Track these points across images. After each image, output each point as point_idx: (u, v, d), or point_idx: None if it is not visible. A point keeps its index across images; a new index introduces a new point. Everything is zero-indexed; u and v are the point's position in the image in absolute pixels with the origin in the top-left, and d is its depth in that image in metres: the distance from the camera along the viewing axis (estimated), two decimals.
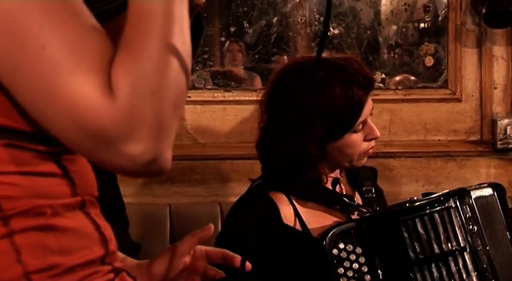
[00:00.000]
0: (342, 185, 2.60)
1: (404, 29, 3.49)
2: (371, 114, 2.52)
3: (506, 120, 3.40)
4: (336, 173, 2.56)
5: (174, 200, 3.20)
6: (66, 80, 1.18)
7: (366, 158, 2.54)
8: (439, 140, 3.42)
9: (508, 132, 3.41)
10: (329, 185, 2.51)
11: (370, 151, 2.52)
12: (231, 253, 1.82)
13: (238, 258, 1.84)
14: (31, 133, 1.29)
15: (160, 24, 1.23)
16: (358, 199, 2.62)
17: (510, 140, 3.42)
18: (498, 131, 3.38)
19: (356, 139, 2.49)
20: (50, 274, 1.27)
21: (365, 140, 2.48)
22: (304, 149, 2.47)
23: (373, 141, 2.50)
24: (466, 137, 3.44)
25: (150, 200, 3.22)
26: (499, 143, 3.38)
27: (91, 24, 1.25)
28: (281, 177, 2.44)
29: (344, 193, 2.58)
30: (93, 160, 1.27)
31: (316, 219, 2.47)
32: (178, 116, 1.27)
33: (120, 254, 1.63)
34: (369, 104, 2.47)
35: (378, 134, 2.52)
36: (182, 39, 1.26)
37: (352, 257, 2.30)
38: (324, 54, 2.98)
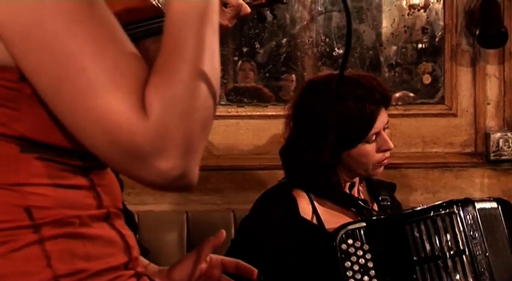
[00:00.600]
0: (359, 190, 2.65)
1: (403, 49, 3.53)
2: (387, 127, 2.58)
3: (498, 134, 3.45)
4: (354, 179, 2.62)
5: (191, 208, 3.23)
6: (103, 100, 1.20)
7: (381, 168, 2.59)
8: (436, 152, 3.48)
9: (501, 145, 3.46)
10: (347, 190, 2.58)
11: (385, 161, 2.56)
12: (245, 263, 1.81)
13: (254, 271, 1.85)
14: (63, 148, 1.31)
15: (193, 50, 1.25)
16: (375, 207, 2.67)
17: (502, 152, 3.47)
18: (491, 144, 3.44)
19: (369, 149, 2.52)
20: (77, 278, 1.29)
21: (379, 151, 2.52)
22: (319, 156, 2.50)
23: (388, 152, 2.54)
24: (462, 149, 3.51)
25: (168, 208, 3.26)
26: (492, 155, 3.44)
27: (128, 48, 1.27)
28: (304, 178, 2.52)
29: (360, 196, 2.63)
30: (126, 174, 1.28)
31: (331, 217, 2.49)
32: (205, 136, 1.28)
33: (144, 261, 1.65)
34: (382, 118, 2.52)
35: (391, 145, 2.54)
36: (212, 65, 1.27)
37: (359, 253, 2.32)
38: (346, 72, 3.06)
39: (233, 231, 3.00)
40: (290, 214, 2.46)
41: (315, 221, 2.50)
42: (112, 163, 1.25)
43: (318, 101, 2.54)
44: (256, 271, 1.82)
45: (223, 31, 2.10)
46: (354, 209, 2.55)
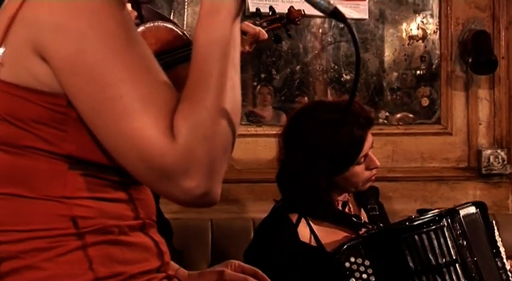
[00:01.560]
0: (350, 205, 2.62)
1: (404, 75, 3.61)
2: (372, 147, 2.57)
3: (489, 151, 3.54)
4: (345, 196, 2.60)
5: (215, 216, 3.27)
6: (137, 124, 1.24)
7: (369, 183, 2.59)
8: (434, 166, 3.55)
9: (491, 160, 3.54)
10: (339, 207, 2.56)
11: (373, 177, 2.56)
12: (262, 273, 1.76)
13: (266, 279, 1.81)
14: (105, 165, 1.35)
15: (216, 82, 1.28)
16: (363, 215, 2.65)
17: (493, 167, 3.54)
18: (483, 159, 3.53)
19: (359, 170, 2.52)
20: (115, 279, 1.34)
21: (367, 169, 2.52)
22: (314, 182, 2.48)
23: (375, 169, 2.54)
24: (456, 164, 3.59)
25: (195, 216, 3.30)
26: (483, 169, 3.53)
27: (161, 78, 1.31)
28: (299, 202, 2.49)
29: (352, 212, 2.61)
30: (155, 190, 1.32)
31: (329, 235, 2.48)
32: (227, 158, 1.29)
33: (174, 265, 1.65)
34: (369, 140, 2.52)
35: (378, 164, 2.56)
36: (233, 95, 1.31)
37: (362, 269, 2.33)
38: (331, 98, 3.14)
39: (251, 234, 3.05)
40: (290, 240, 2.45)
41: (313, 243, 2.48)
42: (142, 179, 1.30)
43: (309, 128, 2.52)
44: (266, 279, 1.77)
45: (244, 56, 2.20)
46: (347, 225, 2.53)
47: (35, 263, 1.31)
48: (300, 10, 2.48)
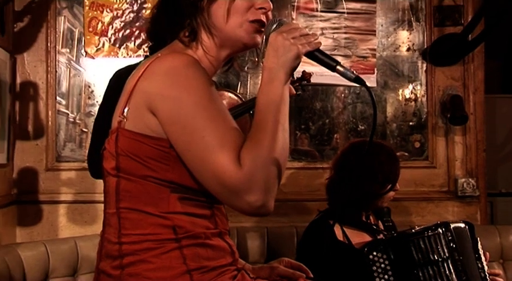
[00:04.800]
0: (371, 217, 2.64)
1: (401, 126, 3.71)
2: None
3: (463, 179, 3.67)
4: (370, 213, 2.63)
5: (269, 225, 3.37)
6: (215, 156, 1.29)
7: (388, 201, 2.63)
8: (424, 190, 3.69)
9: (464, 186, 3.65)
10: (364, 218, 2.60)
11: (392, 197, 2.64)
12: (305, 267, 1.76)
13: (309, 272, 1.77)
14: (196, 190, 1.40)
15: (271, 127, 1.33)
16: (380, 225, 2.65)
17: (466, 191, 3.65)
18: (458, 185, 3.67)
19: (392, 193, 2.59)
20: (201, 271, 1.40)
21: (393, 190, 2.58)
22: (356, 199, 2.50)
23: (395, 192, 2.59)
24: (440, 189, 3.71)
25: (255, 224, 3.44)
26: (459, 192, 3.66)
27: (232, 124, 1.35)
28: (338, 211, 2.55)
29: (372, 222, 2.63)
30: (227, 204, 1.35)
31: (356, 237, 2.50)
32: (279, 181, 1.34)
33: (242, 261, 1.64)
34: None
35: (398, 188, 2.61)
36: (283, 137, 1.35)
37: (381, 261, 2.35)
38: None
39: (295, 240, 3.19)
40: (330, 238, 2.43)
41: (345, 240, 2.47)
42: (218, 196, 1.34)
43: (355, 158, 2.52)
44: (309, 272, 1.75)
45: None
46: (369, 231, 2.55)
47: (146, 258, 1.38)
48: (310, 73, 2.46)
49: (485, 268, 2.47)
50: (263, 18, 1.49)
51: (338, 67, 1.42)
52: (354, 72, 1.43)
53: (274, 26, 1.47)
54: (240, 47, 1.53)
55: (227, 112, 1.37)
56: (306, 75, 2.40)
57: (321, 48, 1.48)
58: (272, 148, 1.30)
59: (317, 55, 1.45)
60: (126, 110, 1.40)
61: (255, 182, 1.27)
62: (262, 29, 1.50)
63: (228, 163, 1.27)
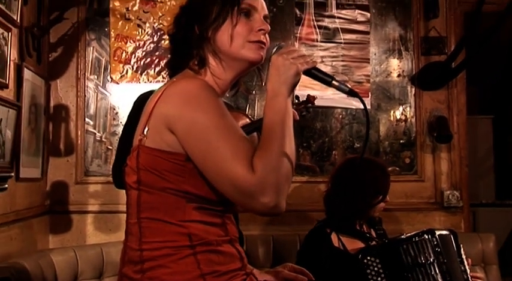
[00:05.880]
0: (364, 226, 2.58)
1: (393, 144, 3.70)
2: None
3: (448, 191, 3.66)
4: (363, 222, 2.57)
5: (275, 233, 3.39)
6: (230, 164, 1.28)
7: (380, 211, 2.59)
8: (413, 201, 3.66)
9: (450, 198, 3.64)
10: (358, 227, 2.54)
11: (383, 208, 2.59)
12: (306, 271, 1.69)
13: (310, 276, 1.70)
14: (209, 199, 1.38)
15: (279, 137, 1.31)
16: (373, 233, 2.61)
17: (450, 202, 3.64)
18: (444, 197, 3.66)
19: (382, 204, 2.56)
20: (214, 275, 1.37)
21: (384, 202, 2.55)
22: (350, 210, 2.47)
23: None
24: (428, 200, 3.70)
25: (262, 232, 3.46)
26: (445, 203, 3.65)
27: (242, 136, 1.35)
28: (336, 221, 2.51)
29: (366, 231, 2.57)
30: (243, 206, 1.32)
31: (350, 244, 2.46)
32: (289, 183, 1.32)
33: (250, 266, 1.58)
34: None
35: (388, 199, 2.58)
36: (290, 144, 1.34)
37: (374, 264, 2.32)
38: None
39: (298, 246, 3.14)
40: (327, 245, 2.41)
41: (341, 247, 2.44)
42: (234, 199, 1.32)
43: (350, 173, 2.51)
44: (311, 276, 1.69)
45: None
46: (363, 238, 2.51)
47: (164, 263, 1.35)
48: (314, 96, 2.44)
49: (468, 271, 2.45)
50: (263, 39, 1.49)
51: (333, 82, 1.42)
52: (348, 85, 1.43)
53: (275, 49, 1.47)
54: (245, 66, 1.52)
55: (237, 126, 1.37)
56: (310, 99, 2.40)
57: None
58: (280, 154, 1.29)
59: (314, 72, 1.45)
60: (146, 129, 1.39)
61: (267, 185, 1.25)
62: (263, 47, 1.50)
63: (242, 170, 1.26)
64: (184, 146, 1.33)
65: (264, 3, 1.55)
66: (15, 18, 2.74)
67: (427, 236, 2.36)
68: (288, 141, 1.32)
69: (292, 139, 1.35)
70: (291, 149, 1.32)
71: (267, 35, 1.51)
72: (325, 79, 1.45)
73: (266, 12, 1.54)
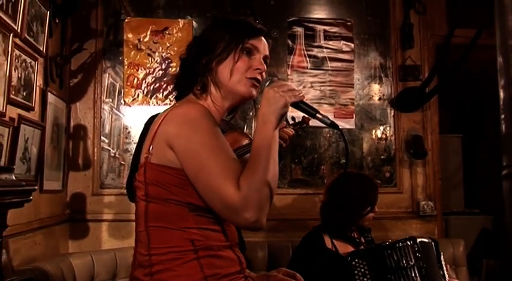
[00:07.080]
0: (354, 233, 2.57)
1: (375, 159, 3.70)
2: None
3: (424, 202, 3.66)
4: (354, 229, 2.57)
5: (270, 240, 3.38)
6: (219, 182, 1.27)
7: (369, 220, 2.59)
8: (393, 211, 3.67)
9: (425, 208, 3.64)
10: (349, 233, 2.53)
11: (372, 217, 2.59)
12: (299, 275, 1.63)
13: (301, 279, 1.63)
14: (208, 208, 1.34)
15: (264, 160, 1.30)
16: (362, 239, 2.60)
17: (425, 211, 3.64)
18: (420, 207, 3.66)
19: (371, 214, 2.55)
20: (216, 277, 1.35)
21: (372, 212, 2.56)
22: (343, 218, 2.46)
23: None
24: (405, 210, 3.70)
25: (259, 239, 3.36)
26: (420, 212, 3.66)
27: (232, 157, 1.33)
28: (331, 227, 2.46)
29: (356, 237, 2.56)
30: (228, 220, 1.32)
31: (342, 247, 2.45)
32: (270, 201, 1.30)
33: (247, 271, 1.55)
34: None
35: (377, 209, 2.58)
36: (274, 168, 1.32)
37: (361, 266, 2.31)
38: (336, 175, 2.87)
39: (291, 252, 3.12)
40: (321, 246, 2.40)
41: (333, 249, 2.43)
42: (220, 213, 1.31)
43: (344, 186, 2.50)
44: (302, 280, 1.62)
45: (284, 148, 2.17)
46: (353, 243, 2.50)
47: (171, 267, 1.34)
48: (308, 117, 2.23)
49: (447, 276, 2.44)
50: (259, 77, 1.50)
51: (317, 115, 1.42)
52: (329, 118, 1.42)
53: (268, 82, 1.47)
54: (238, 99, 1.52)
55: (229, 148, 1.35)
56: (305, 120, 2.38)
57: (310, 98, 1.48)
58: (264, 175, 1.28)
59: (301, 105, 1.45)
60: (151, 148, 1.39)
61: (250, 202, 1.24)
62: (257, 85, 1.50)
63: (229, 188, 1.25)
64: (181, 161, 1.32)
65: (267, 46, 1.56)
66: (42, 49, 2.80)
67: (409, 243, 2.35)
68: (272, 165, 1.31)
69: (277, 162, 1.33)
70: (274, 171, 1.31)
71: (263, 73, 1.52)
72: (310, 112, 1.45)
73: (267, 53, 1.55)
